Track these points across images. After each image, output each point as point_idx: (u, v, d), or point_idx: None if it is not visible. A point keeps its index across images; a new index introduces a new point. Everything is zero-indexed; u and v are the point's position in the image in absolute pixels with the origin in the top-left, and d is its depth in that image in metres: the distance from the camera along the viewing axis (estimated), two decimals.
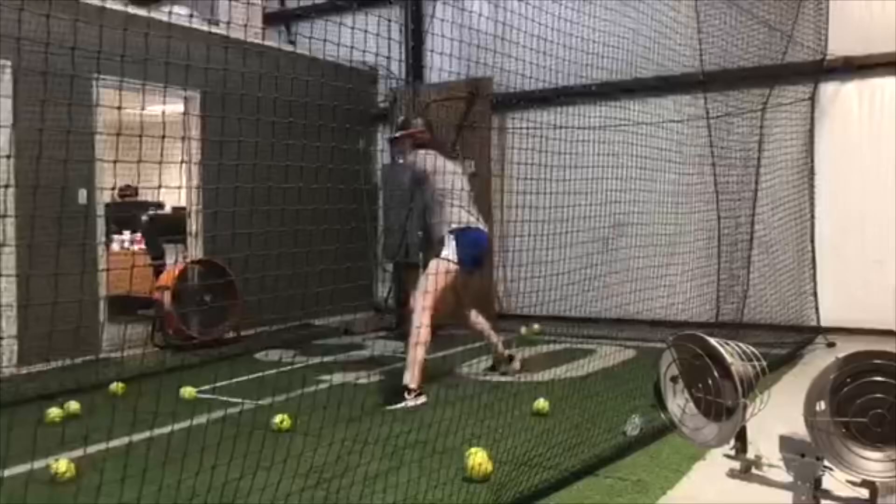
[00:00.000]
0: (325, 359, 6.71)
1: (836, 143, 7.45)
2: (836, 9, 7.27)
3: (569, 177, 5.36)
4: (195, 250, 8.02)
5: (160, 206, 10.04)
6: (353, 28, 4.10)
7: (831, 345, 6.66)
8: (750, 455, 3.54)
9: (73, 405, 5.00)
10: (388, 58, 7.36)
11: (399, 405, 5.03)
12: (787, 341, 6.56)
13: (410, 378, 5.16)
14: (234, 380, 5.76)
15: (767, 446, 3.40)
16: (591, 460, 3.74)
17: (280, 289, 4.82)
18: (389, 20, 8.30)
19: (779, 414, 3.38)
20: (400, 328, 8.41)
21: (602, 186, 5.63)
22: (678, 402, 3.61)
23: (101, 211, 7.03)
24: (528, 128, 6.87)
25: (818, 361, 4.57)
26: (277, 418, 4.52)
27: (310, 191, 4.21)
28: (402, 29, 9.29)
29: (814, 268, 7.30)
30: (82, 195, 6.75)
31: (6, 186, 5.40)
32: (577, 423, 4.22)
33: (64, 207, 5.90)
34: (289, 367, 6.48)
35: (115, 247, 10.03)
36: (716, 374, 3.36)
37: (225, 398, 5.33)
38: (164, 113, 3.80)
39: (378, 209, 9.63)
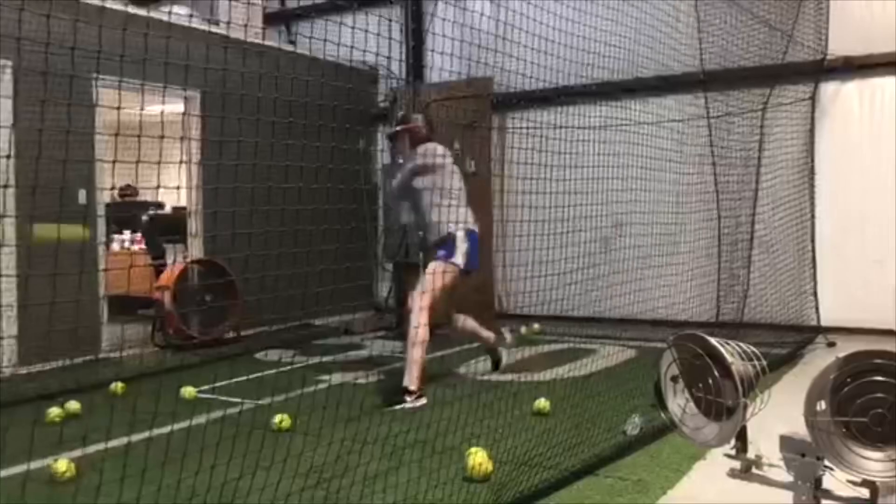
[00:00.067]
0: (325, 359, 6.71)
1: (836, 143, 7.45)
2: (837, 8, 7.27)
3: (569, 176, 5.36)
4: (195, 250, 8.02)
5: (160, 206, 10.05)
6: (353, 28, 4.10)
7: (831, 344, 6.66)
8: (750, 455, 3.53)
9: (73, 405, 5.00)
10: (389, 57, 7.37)
11: (398, 407, 5.03)
12: (787, 341, 6.56)
13: (410, 380, 5.14)
14: (234, 380, 5.76)
15: (768, 446, 3.40)
16: (591, 460, 3.74)
17: (280, 289, 4.83)
18: (390, 20, 8.30)
19: (779, 413, 3.38)
20: (400, 328, 8.41)
21: (602, 186, 5.63)
22: (679, 402, 3.60)
23: (101, 211, 7.03)
24: (528, 127, 6.87)
25: (818, 361, 4.56)
26: (277, 418, 4.51)
27: (310, 191, 4.22)
28: (402, 28, 9.29)
29: (814, 267, 7.30)
30: (82, 195, 6.75)
31: (5, 186, 5.40)
32: (578, 422, 4.22)
33: (64, 207, 5.90)
34: (289, 367, 6.48)
35: (115, 247, 10.04)
36: (716, 373, 3.36)
37: (225, 398, 5.33)
38: (162, 113, 3.80)
39: (378, 209, 9.64)
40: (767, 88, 7.21)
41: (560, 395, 4.86)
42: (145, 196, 10.27)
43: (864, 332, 6.61)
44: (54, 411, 4.86)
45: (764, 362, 3.44)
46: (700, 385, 3.46)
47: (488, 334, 6.03)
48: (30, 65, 5.79)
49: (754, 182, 7.05)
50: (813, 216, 7.34)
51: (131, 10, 6.67)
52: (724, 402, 3.35)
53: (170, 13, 6.50)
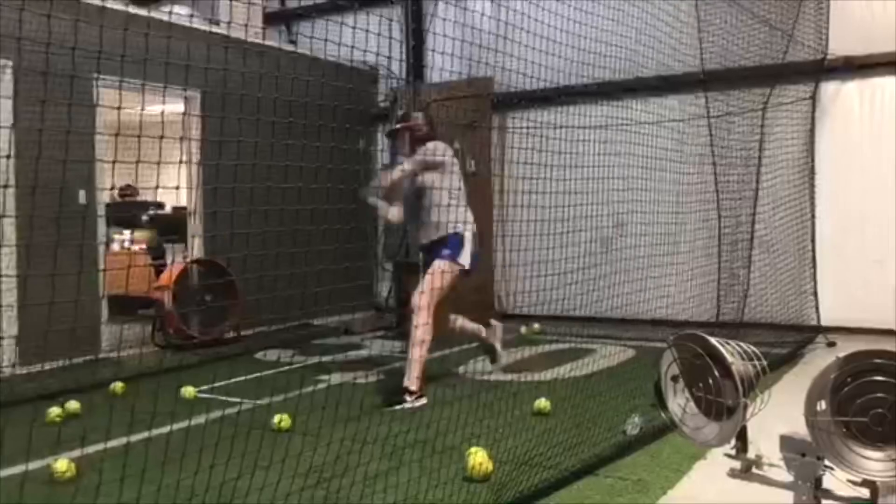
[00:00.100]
0: (325, 358, 6.71)
1: (836, 143, 7.45)
2: (837, 8, 7.27)
3: (569, 176, 5.35)
4: (195, 250, 8.03)
5: (160, 205, 10.05)
6: (354, 28, 4.10)
7: (832, 344, 6.66)
8: (751, 454, 3.53)
9: (73, 405, 5.00)
10: (389, 57, 7.36)
11: (398, 407, 5.02)
12: (787, 341, 6.56)
13: (411, 380, 5.14)
14: (234, 379, 5.76)
15: (768, 446, 3.40)
16: (591, 460, 3.74)
17: (280, 288, 4.83)
18: (390, 19, 8.30)
19: (779, 413, 3.38)
20: (400, 327, 8.42)
21: (603, 186, 5.62)
22: (679, 402, 3.60)
23: (101, 211, 7.03)
24: (528, 127, 6.86)
25: (819, 361, 4.56)
26: (277, 418, 4.51)
27: (310, 191, 4.22)
28: (402, 28, 9.29)
29: (814, 267, 7.30)
30: (82, 195, 6.75)
31: (5, 186, 5.40)
32: (578, 422, 4.22)
33: (64, 207, 5.91)
34: (289, 367, 6.49)
35: (115, 247, 10.04)
36: (716, 373, 3.36)
37: (225, 398, 5.33)
38: (163, 113, 3.80)
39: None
40: (768, 88, 7.20)
41: (560, 394, 4.86)
42: (145, 196, 10.28)
43: (865, 331, 6.61)
44: (54, 411, 4.86)
45: (764, 362, 3.44)
46: (700, 385, 3.46)
47: (478, 327, 5.93)
48: (30, 65, 5.79)
49: (754, 182, 7.05)
50: (813, 216, 7.34)
51: (132, 10, 6.67)
52: (724, 401, 3.34)
53: (170, 13, 6.50)
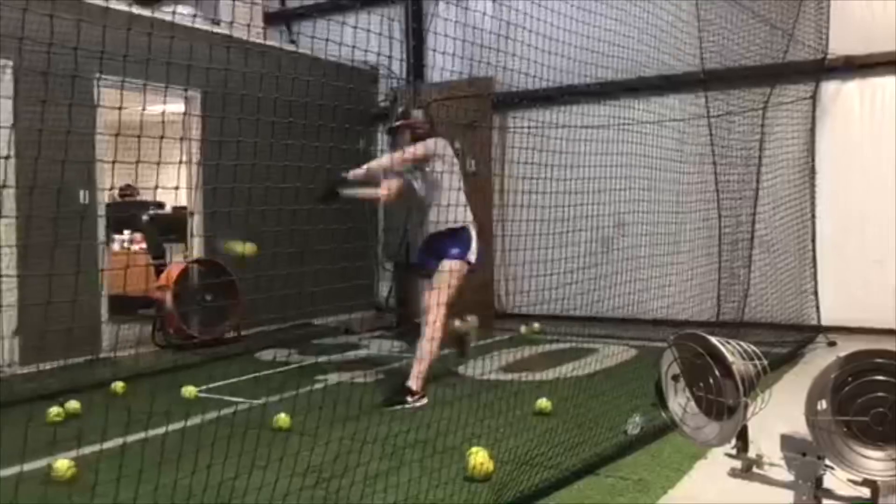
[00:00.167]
0: (326, 358, 6.72)
1: (837, 143, 7.45)
2: (837, 8, 7.27)
3: (570, 176, 5.35)
4: (195, 250, 8.03)
5: (161, 205, 10.04)
6: (355, 28, 4.10)
7: (832, 344, 6.66)
8: (751, 454, 3.53)
9: (74, 405, 5.00)
10: (390, 57, 7.36)
11: (398, 406, 5.02)
12: (787, 340, 6.56)
13: (414, 379, 5.14)
14: (235, 379, 5.76)
15: (769, 445, 3.40)
16: (592, 459, 3.74)
17: (281, 288, 4.83)
18: (391, 19, 8.30)
19: (780, 413, 3.38)
20: (400, 327, 8.43)
21: (603, 186, 5.62)
22: (679, 401, 3.60)
23: (101, 211, 7.04)
24: (529, 127, 6.86)
25: (819, 360, 4.56)
26: (278, 417, 4.52)
27: (310, 191, 4.22)
28: (402, 28, 9.29)
29: (815, 267, 7.30)
30: (83, 195, 6.75)
31: (4, 186, 5.40)
32: (579, 422, 4.22)
33: (65, 207, 5.90)
34: (289, 367, 6.50)
35: (115, 247, 10.04)
36: (717, 373, 3.36)
37: (225, 397, 5.34)
38: (163, 113, 3.80)
39: (378, 209, 9.63)
40: (768, 87, 7.21)
41: (561, 394, 4.86)
42: (145, 196, 10.27)
43: (865, 331, 6.61)
44: (54, 411, 4.86)
45: (765, 361, 3.43)
46: (701, 384, 3.46)
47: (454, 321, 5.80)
48: (30, 64, 5.79)
49: (755, 181, 7.05)
50: (813, 215, 7.34)
51: (135, 10, 6.67)
52: (724, 401, 3.34)
53: (174, 13, 6.50)
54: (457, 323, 5.86)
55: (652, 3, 6.91)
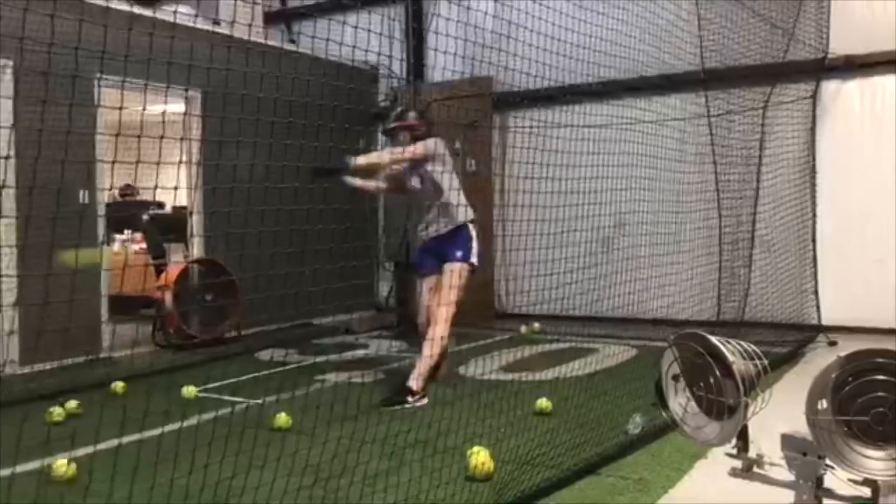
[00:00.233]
0: (327, 358, 6.71)
1: (837, 142, 7.45)
2: (838, 7, 7.27)
3: (570, 176, 5.35)
4: (196, 250, 8.03)
5: (161, 205, 10.04)
6: (355, 27, 4.10)
7: (832, 343, 6.66)
8: (751, 454, 3.53)
9: (74, 405, 5.00)
10: (390, 57, 7.35)
11: (398, 407, 5.02)
12: (788, 340, 6.56)
13: (415, 379, 5.14)
14: (235, 379, 5.76)
15: (769, 445, 3.40)
16: (592, 459, 3.74)
17: (281, 288, 4.82)
18: (392, 19, 8.30)
19: (780, 412, 3.38)
20: (400, 327, 8.42)
21: (604, 185, 5.62)
22: (680, 401, 3.60)
23: (101, 211, 7.03)
24: (529, 127, 6.86)
25: (819, 360, 4.56)
26: (278, 417, 4.52)
27: (309, 190, 4.22)
28: (403, 27, 9.29)
29: (815, 266, 7.30)
30: (84, 195, 6.75)
31: (4, 186, 5.39)
32: (581, 422, 4.22)
33: (65, 207, 5.89)
34: (289, 366, 6.50)
35: (115, 246, 10.04)
36: (717, 372, 3.36)
37: (225, 397, 5.34)
38: (164, 113, 3.80)
39: (378, 208, 9.64)
40: (769, 87, 7.21)
41: (562, 394, 4.86)
42: (145, 196, 10.26)
43: (865, 330, 6.61)
44: (55, 411, 4.86)
45: (765, 361, 3.44)
46: (701, 384, 3.46)
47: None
48: (31, 64, 5.79)
49: (755, 181, 7.05)
50: (814, 215, 7.34)
51: (136, 10, 6.66)
52: (725, 401, 3.34)
53: (175, 13, 6.49)
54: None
55: (652, 3, 6.91)
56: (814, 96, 7.45)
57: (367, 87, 9.62)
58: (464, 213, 5.38)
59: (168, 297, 7.39)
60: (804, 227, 7.31)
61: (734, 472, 3.56)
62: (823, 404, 3.06)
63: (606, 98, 7.23)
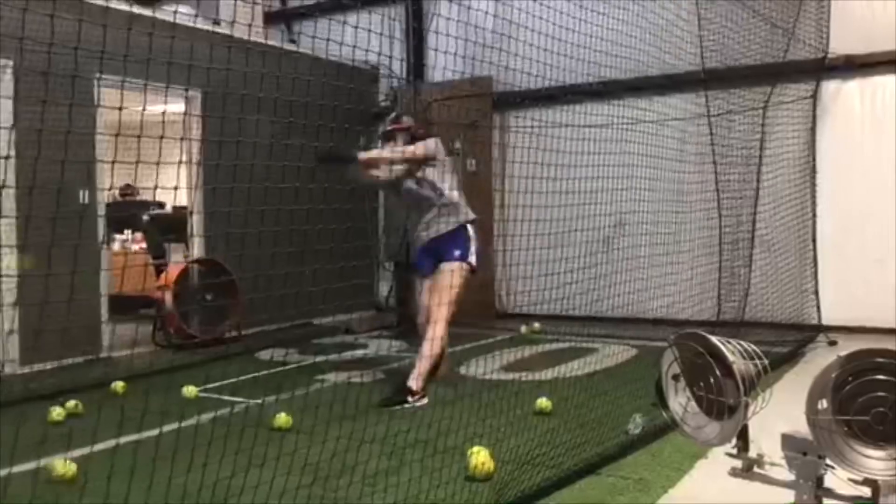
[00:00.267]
0: (327, 357, 6.72)
1: (837, 142, 7.45)
2: (838, 7, 7.27)
3: (570, 175, 5.35)
4: (196, 249, 8.03)
5: (161, 205, 10.05)
6: (356, 27, 4.10)
7: (833, 343, 6.66)
8: (752, 453, 3.53)
9: (74, 404, 5.00)
10: (390, 56, 7.34)
11: (398, 407, 5.02)
12: (788, 340, 6.56)
13: (415, 380, 5.14)
14: (236, 378, 5.76)
15: (769, 445, 3.39)
16: (593, 459, 3.74)
17: (282, 288, 4.82)
18: (392, 18, 8.29)
19: (781, 412, 3.38)
20: (400, 327, 8.42)
21: (604, 185, 5.62)
22: (680, 401, 3.60)
23: (101, 211, 7.04)
24: (530, 126, 6.86)
25: (820, 360, 4.56)
26: (278, 417, 4.52)
27: (309, 190, 4.21)
28: (403, 27, 9.28)
29: (815, 266, 7.30)
30: (84, 195, 6.75)
31: (4, 186, 5.39)
32: (581, 422, 4.22)
33: (65, 207, 5.89)
34: (290, 366, 6.50)
35: (115, 246, 10.04)
36: (717, 372, 3.35)
37: (226, 397, 5.34)
38: (164, 113, 3.80)
39: (378, 208, 9.64)
40: (769, 87, 7.20)
41: (562, 394, 4.86)
42: (145, 196, 10.27)
43: (866, 330, 6.62)
44: (55, 411, 4.86)
45: (765, 361, 3.43)
46: (701, 384, 3.45)
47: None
48: (31, 64, 5.79)
49: (755, 181, 7.05)
50: (814, 215, 7.34)
51: (136, 10, 6.66)
52: (725, 400, 3.34)
53: (175, 13, 6.49)
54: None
55: (653, 2, 6.90)
56: (814, 96, 7.45)
57: (368, 87, 9.62)
58: (463, 214, 5.38)
59: (168, 296, 7.39)
60: (804, 226, 7.31)
61: (734, 472, 3.55)
62: (824, 404, 3.06)
63: (606, 98, 7.23)
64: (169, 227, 9.04)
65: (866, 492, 3.00)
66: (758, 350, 3.46)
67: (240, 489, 3.20)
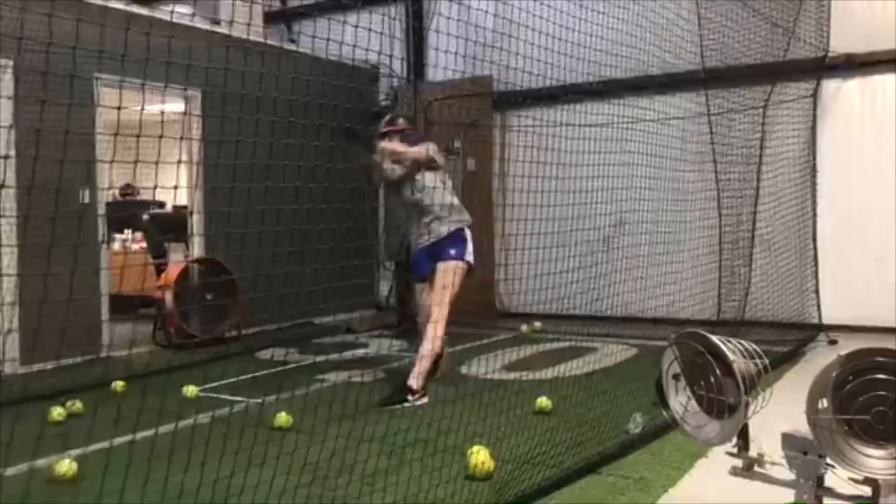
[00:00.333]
0: (328, 357, 6.71)
1: (837, 141, 7.44)
2: (838, 6, 7.27)
3: (571, 175, 5.35)
4: (196, 249, 8.03)
5: (161, 204, 10.05)
6: (356, 26, 4.10)
7: (833, 342, 6.65)
8: (752, 453, 3.53)
9: (74, 404, 5.00)
10: (390, 56, 7.34)
11: (398, 406, 5.02)
12: (788, 339, 6.56)
13: (415, 379, 5.14)
14: (236, 378, 5.76)
15: (770, 444, 3.39)
16: (593, 458, 3.74)
17: (283, 287, 4.82)
18: (392, 18, 8.29)
19: (781, 411, 3.38)
20: (401, 326, 8.42)
21: (604, 184, 5.62)
22: (680, 400, 3.59)
23: (101, 210, 7.04)
24: (530, 126, 6.86)
25: (820, 359, 4.56)
26: (278, 416, 4.51)
27: (310, 190, 4.21)
28: (403, 26, 9.28)
29: (815, 265, 7.30)
30: (85, 195, 6.76)
31: (3, 186, 5.40)
32: (581, 421, 4.22)
33: (65, 207, 5.90)
34: (290, 366, 6.50)
35: (116, 246, 10.04)
36: (718, 371, 3.35)
37: (226, 397, 5.33)
38: (162, 112, 3.80)
39: (378, 208, 9.64)
40: (769, 85, 7.20)
41: (562, 393, 4.86)
42: (146, 196, 10.27)
43: (866, 329, 6.61)
44: (55, 410, 4.86)
45: (766, 360, 3.43)
46: (702, 383, 3.45)
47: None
48: (31, 64, 5.79)
49: (755, 180, 7.05)
50: (814, 214, 7.34)
51: (134, 9, 6.66)
52: (725, 400, 3.34)
53: (172, 12, 6.50)
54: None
55: (653, 2, 6.90)
56: (814, 95, 7.44)
57: (368, 87, 9.61)
58: (461, 217, 5.44)
59: (168, 296, 7.39)
60: (804, 225, 7.31)
61: (735, 471, 3.55)
62: (824, 403, 3.05)
63: (607, 97, 7.23)
64: (169, 226, 9.04)
65: (867, 491, 3.00)
66: (758, 349, 3.46)
67: (240, 488, 3.20)
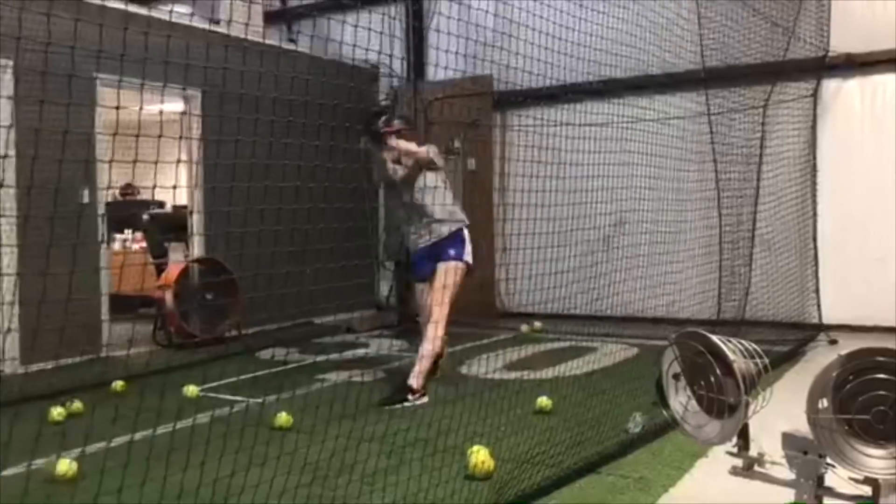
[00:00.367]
0: (327, 357, 6.71)
1: (838, 140, 7.44)
2: (838, 6, 7.27)
3: (571, 174, 5.35)
4: (196, 249, 8.03)
5: (161, 204, 10.05)
6: (355, 26, 4.10)
7: (833, 342, 6.65)
8: (752, 452, 3.52)
9: (74, 404, 5.00)
10: (390, 55, 7.34)
11: (398, 405, 5.02)
12: (789, 339, 6.55)
13: (415, 377, 5.14)
14: (236, 378, 5.76)
15: (770, 443, 3.38)
16: (593, 458, 3.74)
17: (283, 287, 4.82)
18: (392, 17, 8.28)
19: (781, 411, 3.37)
20: (401, 326, 8.42)
21: (604, 184, 5.62)
22: (680, 400, 3.59)
23: (102, 210, 7.03)
24: (530, 125, 6.85)
25: (820, 359, 4.56)
26: (278, 416, 4.51)
27: (310, 189, 4.21)
28: (403, 26, 9.27)
29: (816, 265, 7.29)
30: (85, 194, 6.76)
31: (2, 185, 5.40)
32: (581, 421, 4.22)
33: (65, 207, 5.90)
34: (290, 365, 6.49)
35: (116, 246, 10.04)
36: (718, 371, 3.35)
37: (226, 396, 5.33)
38: (160, 112, 3.81)
39: (378, 208, 9.64)
40: (769, 85, 7.20)
41: (562, 393, 4.86)
42: (146, 195, 10.26)
43: (866, 329, 6.61)
44: (55, 410, 4.86)
45: (766, 360, 3.42)
46: (702, 383, 3.45)
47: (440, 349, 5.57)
48: (30, 64, 5.79)
49: (755, 179, 7.05)
50: (815, 213, 7.33)
51: (132, 9, 6.66)
52: (725, 399, 3.33)
53: (171, 12, 6.50)
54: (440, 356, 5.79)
55: (653, 1, 6.90)
56: (814, 95, 7.44)
57: (368, 86, 9.61)
58: (460, 219, 5.45)
59: (169, 296, 7.38)
60: (805, 225, 7.31)
61: (735, 471, 3.54)
62: (824, 403, 3.05)
63: (607, 96, 7.23)
64: (169, 226, 9.04)
65: (867, 491, 3.00)
66: (758, 349, 3.45)
67: (240, 488, 3.20)
